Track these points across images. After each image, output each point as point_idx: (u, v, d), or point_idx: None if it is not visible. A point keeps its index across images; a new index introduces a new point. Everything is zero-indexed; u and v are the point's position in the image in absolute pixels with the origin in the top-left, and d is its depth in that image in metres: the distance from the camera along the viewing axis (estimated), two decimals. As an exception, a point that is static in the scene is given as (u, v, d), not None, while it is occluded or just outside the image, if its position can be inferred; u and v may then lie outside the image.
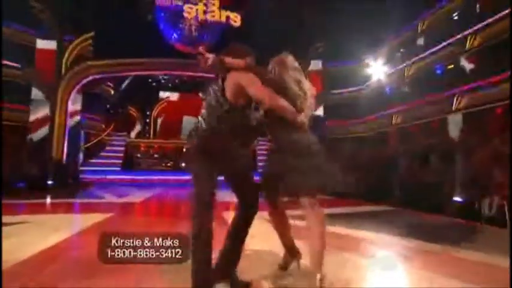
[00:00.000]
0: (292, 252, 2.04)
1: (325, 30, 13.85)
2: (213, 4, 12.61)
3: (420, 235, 3.34)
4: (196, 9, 12.45)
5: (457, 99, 11.48)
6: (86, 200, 7.37)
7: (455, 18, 12.49)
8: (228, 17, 12.78)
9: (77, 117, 12.38)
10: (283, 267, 2.07)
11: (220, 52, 2.03)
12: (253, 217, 1.89)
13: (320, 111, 13.41)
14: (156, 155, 17.61)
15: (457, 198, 4.75)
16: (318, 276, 1.67)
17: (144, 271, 2.01)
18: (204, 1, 12.43)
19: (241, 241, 1.88)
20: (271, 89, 1.87)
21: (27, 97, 11.32)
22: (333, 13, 13.77)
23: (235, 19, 12.75)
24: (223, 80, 1.92)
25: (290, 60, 2.10)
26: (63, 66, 12.10)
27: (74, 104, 12.26)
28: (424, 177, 5.59)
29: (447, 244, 2.97)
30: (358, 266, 2.35)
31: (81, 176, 11.70)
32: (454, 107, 11.54)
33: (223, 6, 12.71)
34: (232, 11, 12.75)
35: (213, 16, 12.57)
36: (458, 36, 11.41)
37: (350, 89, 16.30)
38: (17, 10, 11.23)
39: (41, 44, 11.32)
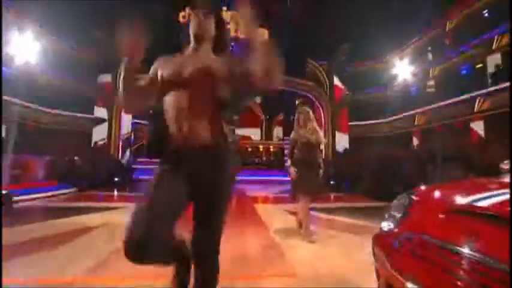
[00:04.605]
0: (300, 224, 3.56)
1: (351, 31, 14.26)
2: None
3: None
4: (228, 28, 13.97)
5: (479, 102, 11.64)
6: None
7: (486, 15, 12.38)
8: (256, 34, 14.11)
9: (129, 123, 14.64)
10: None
11: None
12: None
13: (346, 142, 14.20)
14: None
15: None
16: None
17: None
18: (235, 20, 13.88)
19: None
20: None
21: (92, 108, 13.74)
22: (358, 13, 13.99)
23: (263, 35, 14.08)
24: None
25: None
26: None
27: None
28: (425, 178, 6.49)
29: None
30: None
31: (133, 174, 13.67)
32: (476, 109, 11.73)
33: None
34: (260, 27, 14.03)
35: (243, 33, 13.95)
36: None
37: (375, 89, 16.65)
38: (83, 35, 13.58)
39: (100, 78, 13.80)
